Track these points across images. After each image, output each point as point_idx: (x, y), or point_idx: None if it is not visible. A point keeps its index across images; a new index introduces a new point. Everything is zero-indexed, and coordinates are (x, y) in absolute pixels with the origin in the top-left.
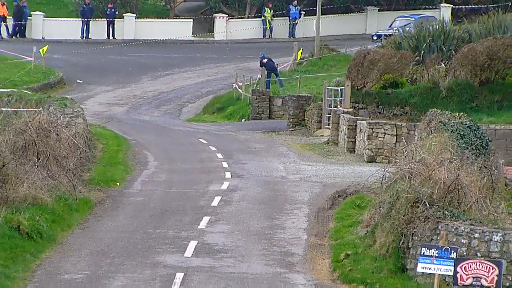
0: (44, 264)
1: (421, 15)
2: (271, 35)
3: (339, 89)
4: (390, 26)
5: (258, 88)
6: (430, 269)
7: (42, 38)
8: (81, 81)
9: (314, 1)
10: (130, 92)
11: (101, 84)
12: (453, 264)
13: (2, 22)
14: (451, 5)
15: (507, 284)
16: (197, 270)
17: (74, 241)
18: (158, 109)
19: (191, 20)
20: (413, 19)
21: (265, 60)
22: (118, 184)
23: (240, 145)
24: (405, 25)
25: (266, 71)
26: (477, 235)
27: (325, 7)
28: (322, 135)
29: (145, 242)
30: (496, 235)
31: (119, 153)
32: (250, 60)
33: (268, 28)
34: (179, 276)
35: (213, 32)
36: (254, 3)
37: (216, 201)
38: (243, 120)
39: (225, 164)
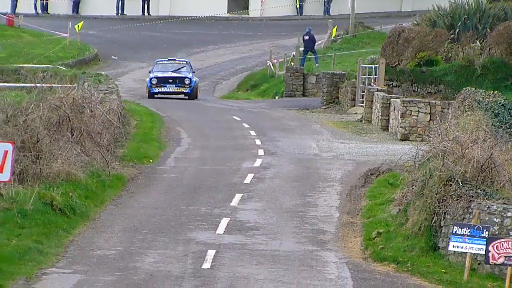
0: (77, 240)
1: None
2: (301, 13)
3: (373, 67)
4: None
5: (292, 65)
6: (462, 247)
7: (77, 14)
8: (115, 57)
9: None
10: None
11: (135, 60)
12: (485, 243)
13: None
14: None
15: None
16: (229, 247)
17: (107, 217)
18: None
19: None
20: (184, 62)
21: (307, 37)
22: (151, 160)
23: (273, 122)
24: (178, 69)
25: (303, 48)
26: (509, 214)
27: None
28: (355, 113)
29: (177, 218)
30: None
31: (152, 129)
32: (284, 37)
33: (298, 6)
34: (211, 253)
35: (248, 9)
36: None
37: (248, 178)
38: (277, 97)
39: (258, 142)
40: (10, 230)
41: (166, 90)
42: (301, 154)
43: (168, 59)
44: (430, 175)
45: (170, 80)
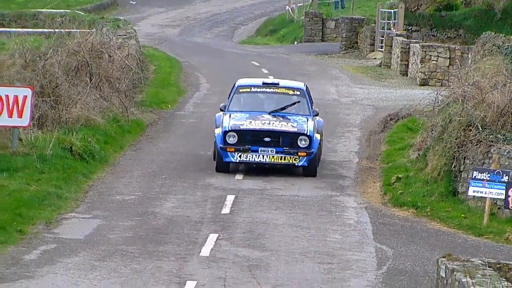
0: (96, 185)
1: None
2: None
3: (392, 12)
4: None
5: (311, 10)
6: (481, 192)
7: None
8: (134, 2)
9: None
10: (183, 14)
11: (154, 5)
12: (504, 187)
13: None
14: None
15: None
16: (248, 192)
17: (126, 162)
18: (210, 31)
19: None
20: (298, 90)
21: None
22: (170, 106)
23: (292, 67)
24: (283, 108)
25: None
26: None
27: None
28: (375, 58)
29: (196, 164)
30: None
31: (171, 75)
32: None
33: None
34: (230, 198)
35: None
36: None
37: None
38: (295, 42)
39: None
40: (29, 175)
41: (257, 160)
42: (320, 99)
43: (263, 83)
44: (450, 120)
45: (267, 139)
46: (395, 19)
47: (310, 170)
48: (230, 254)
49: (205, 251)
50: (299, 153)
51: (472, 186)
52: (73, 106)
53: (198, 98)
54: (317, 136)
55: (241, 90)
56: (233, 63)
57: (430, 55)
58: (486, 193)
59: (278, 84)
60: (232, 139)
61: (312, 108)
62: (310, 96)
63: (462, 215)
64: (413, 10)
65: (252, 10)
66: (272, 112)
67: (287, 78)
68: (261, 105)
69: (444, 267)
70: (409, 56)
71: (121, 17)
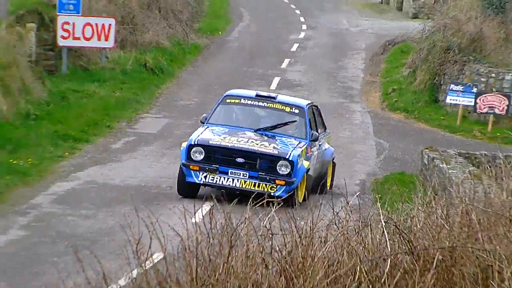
0: (165, 93)
1: None
2: None
3: None
4: None
5: None
6: (456, 100)
7: None
8: None
9: None
10: None
11: None
12: (474, 96)
13: None
14: None
15: None
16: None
17: (187, 77)
18: None
19: None
20: (297, 108)
21: None
22: (220, 33)
23: (314, 4)
24: (275, 127)
25: None
26: (493, 75)
27: None
28: None
29: (241, 78)
30: (508, 75)
31: (221, 9)
32: None
33: None
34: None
35: None
36: None
37: (294, 47)
38: None
39: (302, 19)
40: (114, 85)
41: (225, 184)
42: (335, 28)
43: (257, 95)
44: (434, 45)
45: (240, 160)
46: None
47: (288, 201)
48: None
49: None
50: (276, 181)
51: (449, 95)
52: (146, 33)
53: (242, 27)
54: (305, 163)
55: (228, 101)
56: (268, 1)
57: None
58: (459, 101)
59: (274, 98)
60: (197, 155)
61: (311, 130)
62: (315, 117)
63: (441, 117)
64: None
65: None
66: (259, 129)
67: (310, 12)
68: (250, 120)
69: (426, 156)
70: None
71: None
